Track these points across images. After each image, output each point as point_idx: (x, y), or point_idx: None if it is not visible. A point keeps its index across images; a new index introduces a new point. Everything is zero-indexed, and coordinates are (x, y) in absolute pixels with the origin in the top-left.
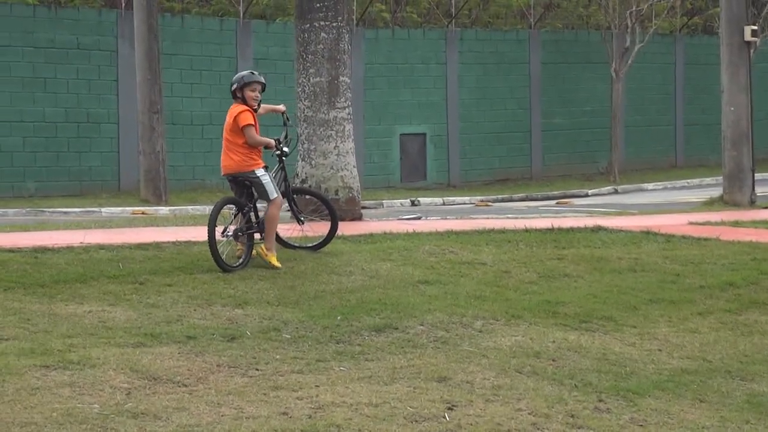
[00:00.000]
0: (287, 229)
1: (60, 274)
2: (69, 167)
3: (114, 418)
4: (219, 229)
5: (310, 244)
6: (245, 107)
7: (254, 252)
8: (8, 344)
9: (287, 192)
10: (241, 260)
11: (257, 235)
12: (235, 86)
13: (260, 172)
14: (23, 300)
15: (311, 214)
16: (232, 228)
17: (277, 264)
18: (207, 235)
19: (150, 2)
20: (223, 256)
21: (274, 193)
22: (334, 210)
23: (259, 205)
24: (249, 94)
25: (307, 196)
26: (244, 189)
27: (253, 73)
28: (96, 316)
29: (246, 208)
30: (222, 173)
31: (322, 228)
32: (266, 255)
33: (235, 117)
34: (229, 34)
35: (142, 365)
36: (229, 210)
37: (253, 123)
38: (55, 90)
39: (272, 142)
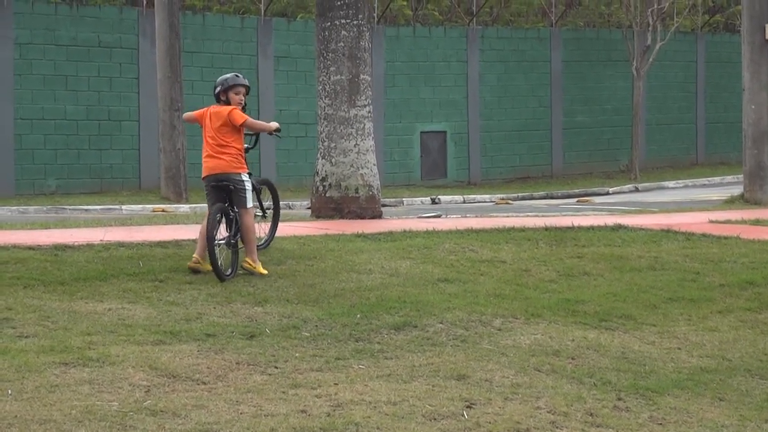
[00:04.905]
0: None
1: (80, 271)
2: (90, 165)
3: (133, 416)
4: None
5: (259, 244)
6: (232, 105)
7: (241, 266)
8: (28, 341)
9: (255, 188)
10: (231, 270)
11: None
12: (219, 89)
13: (245, 177)
14: (43, 297)
15: (330, 212)
16: (220, 236)
17: (264, 271)
18: (207, 244)
19: (171, 0)
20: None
21: (250, 201)
22: (278, 208)
23: None
24: (233, 97)
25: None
26: (224, 195)
27: (237, 76)
28: (115, 314)
29: (232, 215)
30: (206, 175)
31: (339, 226)
32: (255, 267)
33: (228, 114)
34: (250, 32)
35: (162, 363)
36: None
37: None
38: (76, 87)
39: (273, 125)
